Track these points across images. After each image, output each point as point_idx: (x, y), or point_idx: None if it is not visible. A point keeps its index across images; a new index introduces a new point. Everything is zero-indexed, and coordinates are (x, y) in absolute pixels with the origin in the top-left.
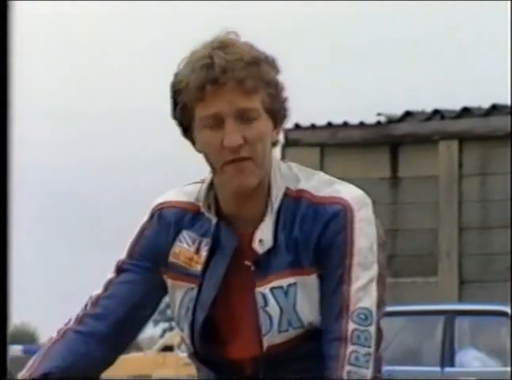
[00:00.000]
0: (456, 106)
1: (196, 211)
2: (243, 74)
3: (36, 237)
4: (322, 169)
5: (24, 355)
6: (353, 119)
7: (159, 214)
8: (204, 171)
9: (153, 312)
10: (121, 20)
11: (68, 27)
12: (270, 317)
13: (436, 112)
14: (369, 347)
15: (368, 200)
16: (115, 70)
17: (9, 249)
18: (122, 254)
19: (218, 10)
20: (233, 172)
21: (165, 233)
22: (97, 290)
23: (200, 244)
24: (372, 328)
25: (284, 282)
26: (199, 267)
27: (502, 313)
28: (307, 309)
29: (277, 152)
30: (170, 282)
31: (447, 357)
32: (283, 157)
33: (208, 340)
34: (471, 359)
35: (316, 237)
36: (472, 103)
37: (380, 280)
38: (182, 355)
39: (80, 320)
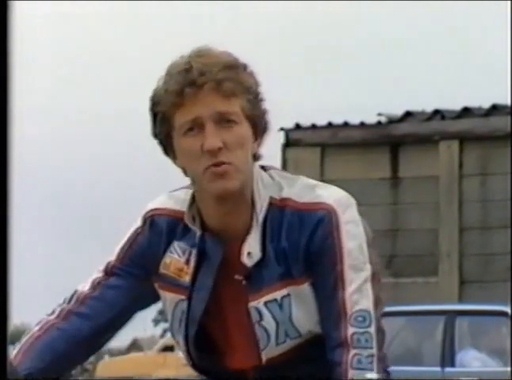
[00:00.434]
0: (457, 106)
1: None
2: (221, 75)
3: (36, 237)
4: (322, 169)
5: None
6: (354, 119)
7: (151, 221)
8: None
9: (132, 317)
10: (121, 20)
11: (68, 27)
12: (267, 331)
13: (436, 112)
14: (371, 348)
15: (352, 201)
16: (115, 69)
17: (9, 249)
18: (112, 256)
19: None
20: (213, 177)
21: (156, 241)
22: (83, 285)
23: (190, 254)
24: (372, 329)
25: (278, 294)
26: (188, 279)
27: (503, 313)
28: (304, 319)
29: (277, 152)
30: (161, 292)
31: (447, 357)
32: (283, 157)
33: (205, 350)
34: (471, 359)
35: (304, 245)
36: (473, 103)
37: (375, 278)
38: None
39: (65, 316)
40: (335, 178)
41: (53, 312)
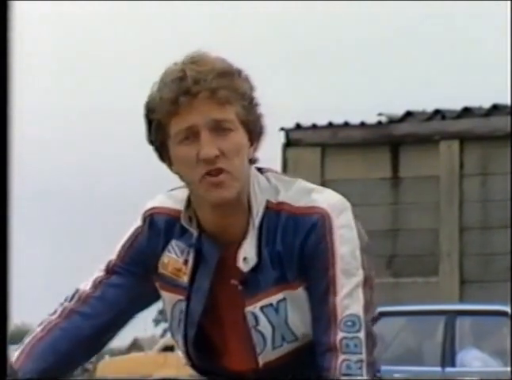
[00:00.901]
0: (457, 106)
1: None
2: (215, 83)
3: (36, 237)
4: (322, 169)
5: None
6: (354, 119)
7: (150, 220)
8: None
9: (134, 316)
10: (121, 20)
11: (68, 27)
12: (263, 336)
13: (437, 112)
14: (360, 353)
15: (348, 204)
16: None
17: (9, 249)
18: (113, 254)
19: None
20: (210, 187)
21: (155, 240)
22: (85, 284)
23: (188, 254)
24: (362, 334)
25: (273, 299)
26: (186, 279)
27: (503, 313)
28: (299, 322)
29: (277, 152)
30: (161, 291)
31: (448, 357)
32: (284, 157)
33: (204, 351)
34: (471, 359)
35: (298, 249)
36: (473, 103)
37: (367, 283)
38: None
39: (67, 315)
40: (335, 178)
41: (55, 312)
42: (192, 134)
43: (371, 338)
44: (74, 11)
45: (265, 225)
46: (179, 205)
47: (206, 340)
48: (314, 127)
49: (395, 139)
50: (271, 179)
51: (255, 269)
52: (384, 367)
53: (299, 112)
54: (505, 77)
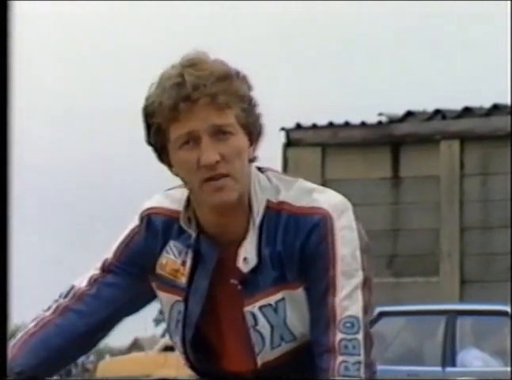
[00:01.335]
0: (458, 106)
1: None
2: (215, 89)
3: (36, 237)
4: (323, 168)
5: None
6: (355, 119)
7: (148, 220)
8: None
9: (128, 315)
10: (121, 20)
11: (68, 27)
12: (262, 336)
13: (437, 111)
14: (358, 355)
15: (349, 205)
16: (115, 69)
17: (9, 249)
18: (109, 253)
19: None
20: (212, 191)
21: (153, 241)
22: (80, 281)
23: (186, 255)
24: (360, 336)
25: (272, 299)
26: (184, 280)
27: (504, 313)
28: (298, 322)
29: (278, 152)
30: (158, 292)
31: (448, 357)
32: (284, 157)
33: (202, 352)
34: (472, 358)
35: (299, 250)
36: (473, 103)
37: (366, 285)
38: None
39: (61, 311)
40: (336, 178)
41: (49, 308)
42: (192, 139)
43: (369, 339)
44: (74, 11)
45: (266, 224)
46: (177, 205)
47: (204, 341)
48: (314, 126)
49: (395, 139)
50: (272, 178)
51: (255, 269)
52: (384, 367)
53: (300, 112)
54: (505, 77)
